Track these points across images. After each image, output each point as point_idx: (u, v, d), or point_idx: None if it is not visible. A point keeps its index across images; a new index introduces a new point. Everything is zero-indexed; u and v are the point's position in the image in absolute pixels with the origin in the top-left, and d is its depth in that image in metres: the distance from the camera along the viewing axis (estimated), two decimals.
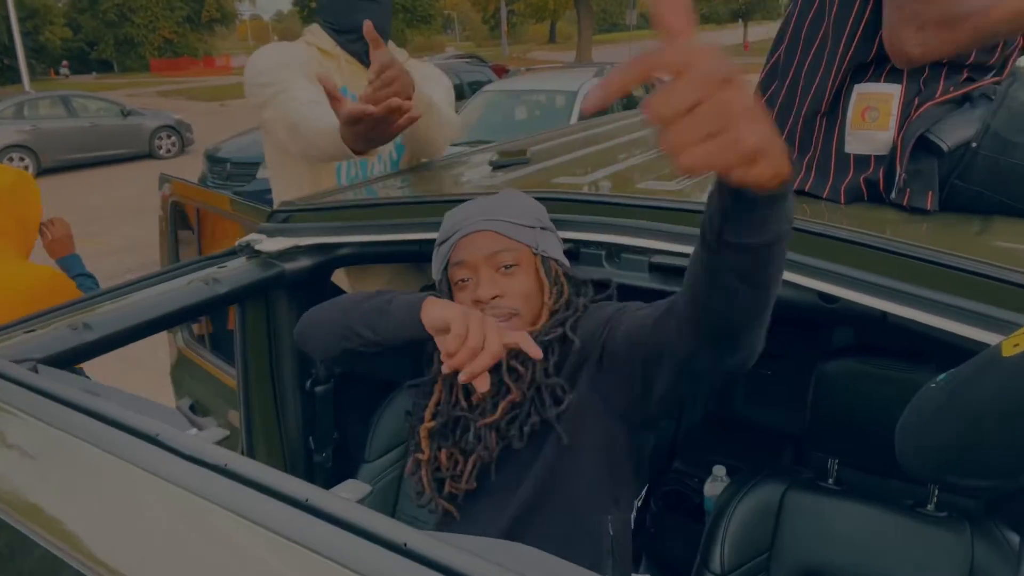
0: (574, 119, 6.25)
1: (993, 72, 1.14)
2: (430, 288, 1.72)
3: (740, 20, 42.78)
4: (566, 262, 1.16)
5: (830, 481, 1.31)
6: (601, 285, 1.14)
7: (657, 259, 1.14)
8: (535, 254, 1.10)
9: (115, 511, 0.63)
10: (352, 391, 1.67)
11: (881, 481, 1.35)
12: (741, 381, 2.27)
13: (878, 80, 1.15)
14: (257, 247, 1.39)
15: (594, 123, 2.62)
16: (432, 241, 1.22)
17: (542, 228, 1.13)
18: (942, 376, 0.73)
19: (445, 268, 1.13)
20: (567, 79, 7.06)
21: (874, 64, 1.15)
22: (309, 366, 1.60)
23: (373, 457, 1.59)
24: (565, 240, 1.23)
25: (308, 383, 1.60)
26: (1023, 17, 0.96)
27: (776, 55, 1.31)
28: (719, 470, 1.80)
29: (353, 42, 1.79)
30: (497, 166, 1.66)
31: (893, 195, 1.10)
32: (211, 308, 1.33)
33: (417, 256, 1.61)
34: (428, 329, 0.98)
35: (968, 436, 0.67)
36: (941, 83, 1.11)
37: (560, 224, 1.25)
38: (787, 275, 1.02)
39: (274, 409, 1.60)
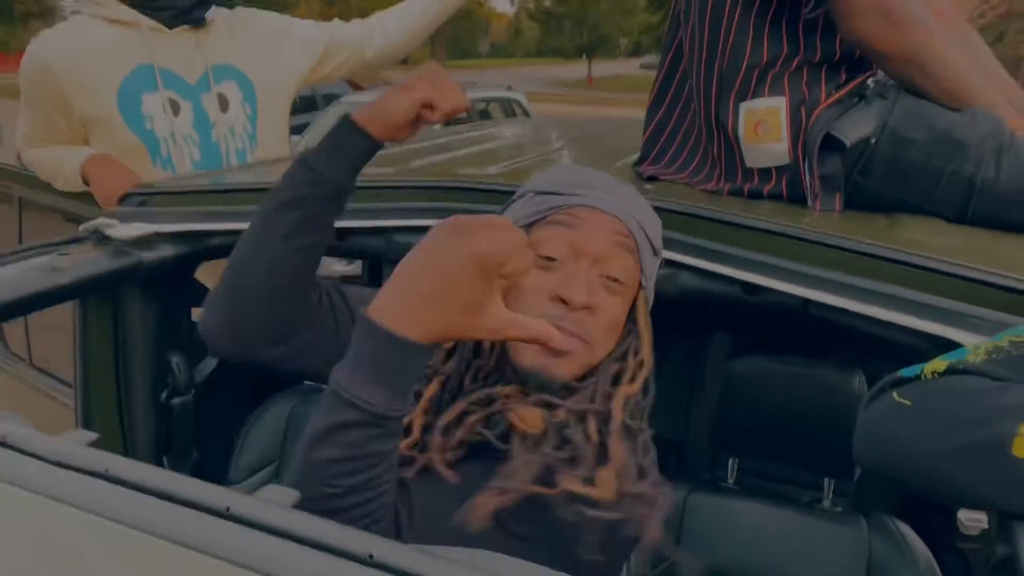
0: None
1: (866, 67, 1.19)
2: (350, 280, 1.56)
3: (584, 56, 44.95)
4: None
5: (730, 481, 1.31)
6: None
7: None
8: (642, 288, 0.83)
9: None
10: (216, 403, 1.47)
11: (778, 477, 1.37)
12: None
13: (762, 95, 1.17)
14: (108, 232, 1.18)
15: (451, 131, 2.57)
16: None
17: (655, 255, 0.85)
18: (905, 380, 0.71)
19: (532, 224, 0.82)
20: None
21: (755, 80, 1.17)
22: (164, 375, 1.39)
23: (240, 478, 1.41)
24: None
25: (164, 395, 1.39)
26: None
27: (665, 82, 1.31)
28: None
29: (159, 7, 1.52)
30: None
31: (809, 203, 1.11)
32: (48, 301, 1.11)
33: None
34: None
35: (951, 494, 0.66)
36: (823, 86, 1.15)
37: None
38: (711, 266, 0.99)
39: (120, 425, 1.37)
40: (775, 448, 1.23)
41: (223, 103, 1.58)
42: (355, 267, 3.13)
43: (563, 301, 0.75)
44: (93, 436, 0.59)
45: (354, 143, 0.88)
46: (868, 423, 0.72)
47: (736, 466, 1.31)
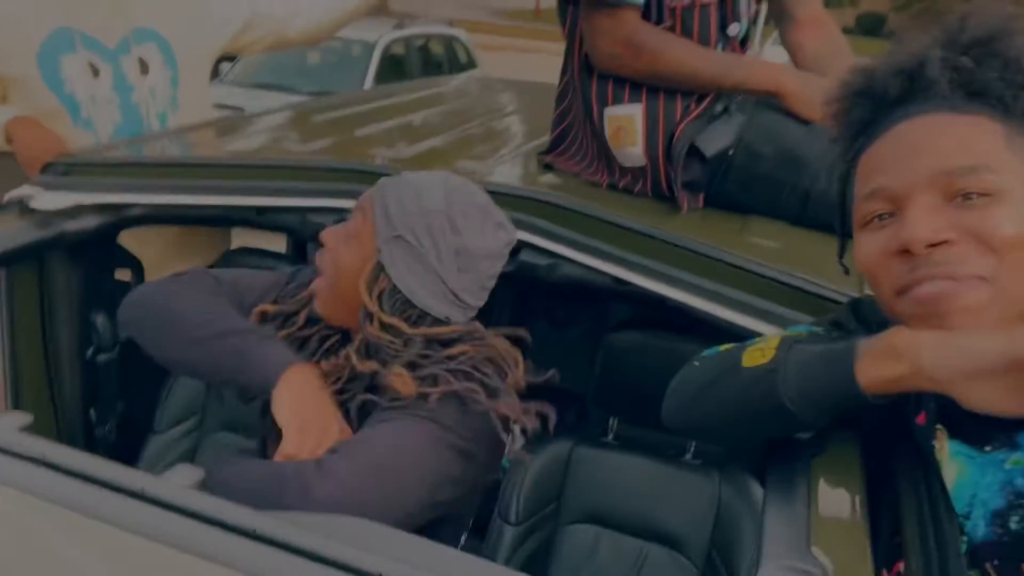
0: (371, 70, 6.10)
1: None
2: (236, 252, 1.64)
3: None
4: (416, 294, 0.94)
5: (611, 437, 1.49)
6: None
7: None
8: (378, 249, 0.93)
9: None
10: (141, 358, 1.56)
11: (651, 434, 1.55)
12: (532, 347, 2.44)
13: (621, 102, 1.27)
14: (32, 204, 1.25)
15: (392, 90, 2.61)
16: (239, 208, 1.20)
17: (403, 239, 0.92)
18: (707, 352, 0.88)
19: None
20: (365, 28, 6.81)
21: (611, 82, 1.27)
22: (89, 334, 1.47)
23: (164, 427, 1.52)
24: None
25: (89, 351, 1.47)
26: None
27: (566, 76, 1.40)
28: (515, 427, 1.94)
29: None
30: None
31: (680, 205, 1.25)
32: None
33: (219, 220, 1.53)
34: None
35: (714, 418, 0.84)
36: (677, 97, 1.24)
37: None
38: (585, 259, 1.13)
39: (47, 381, 1.46)
40: (647, 410, 1.40)
41: (143, 66, 1.61)
42: None
43: None
44: (27, 419, 0.70)
45: None
46: (669, 389, 0.89)
47: (615, 424, 1.48)
